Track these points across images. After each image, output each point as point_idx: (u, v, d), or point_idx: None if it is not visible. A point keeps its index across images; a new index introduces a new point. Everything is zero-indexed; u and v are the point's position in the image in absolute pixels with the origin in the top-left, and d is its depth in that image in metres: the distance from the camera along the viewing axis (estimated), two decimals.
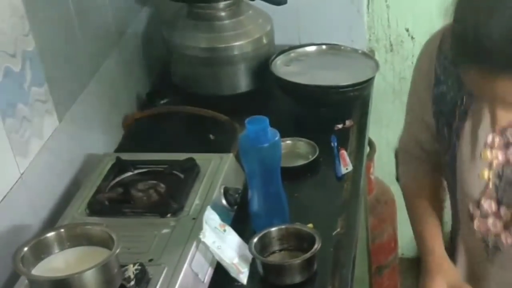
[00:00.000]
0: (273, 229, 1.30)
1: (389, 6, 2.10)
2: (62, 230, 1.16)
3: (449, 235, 1.38)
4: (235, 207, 1.38)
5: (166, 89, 1.86)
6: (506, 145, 1.11)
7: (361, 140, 1.67)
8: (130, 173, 1.42)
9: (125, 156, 1.46)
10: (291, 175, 1.47)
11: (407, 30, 2.13)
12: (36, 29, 1.30)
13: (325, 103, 1.73)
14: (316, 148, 1.58)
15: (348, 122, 1.70)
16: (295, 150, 1.61)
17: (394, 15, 2.11)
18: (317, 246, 1.25)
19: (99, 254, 1.10)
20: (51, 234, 1.15)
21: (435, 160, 1.32)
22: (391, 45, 2.16)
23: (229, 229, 1.27)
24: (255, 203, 1.35)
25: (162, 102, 1.81)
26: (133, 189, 1.36)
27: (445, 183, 1.31)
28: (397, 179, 1.42)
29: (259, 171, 1.32)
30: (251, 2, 1.85)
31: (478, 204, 1.16)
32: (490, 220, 1.17)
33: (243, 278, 1.24)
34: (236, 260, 1.25)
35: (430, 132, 1.27)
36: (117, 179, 1.40)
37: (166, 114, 1.77)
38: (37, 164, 1.30)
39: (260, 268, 1.26)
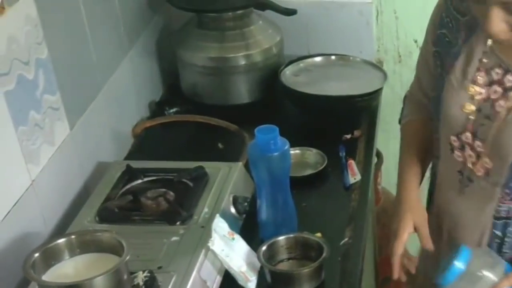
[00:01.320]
0: (281, 237, 1.31)
1: (398, 18, 2.11)
2: (73, 236, 1.17)
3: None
4: (244, 215, 1.39)
5: (176, 98, 1.87)
6: (489, 83, 1.19)
7: (369, 150, 1.68)
8: (139, 181, 1.43)
9: (135, 164, 1.47)
10: (300, 184, 1.48)
11: (416, 42, 2.14)
12: (49, 37, 1.32)
13: (334, 113, 1.74)
14: (324, 158, 1.59)
15: (356, 133, 1.71)
16: (304, 159, 1.62)
17: (403, 26, 2.12)
18: (325, 255, 1.26)
19: (109, 261, 1.11)
20: (61, 241, 1.16)
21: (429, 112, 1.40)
22: (399, 56, 2.16)
23: (237, 237, 1.28)
24: (264, 211, 1.36)
25: (172, 111, 1.82)
26: (143, 197, 1.37)
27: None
28: (399, 121, 1.49)
29: (268, 180, 1.33)
30: (261, 13, 1.86)
31: (458, 136, 1.24)
32: (467, 152, 1.24)
33: (251, 286, 1.25)
34: (244, 268, 1.25)
35: (431, 76, 1.34)
36: (127, 186, 1.41)
37: (176, 123, 1.78)
38: (48, 171, 1.31)
39: (268, 277, 1.26)
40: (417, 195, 1.35)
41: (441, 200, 1.35)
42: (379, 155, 2.08)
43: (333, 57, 1.89)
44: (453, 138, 1.25)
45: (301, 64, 1.87)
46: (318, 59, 1.89)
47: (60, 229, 1.33)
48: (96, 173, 1.50)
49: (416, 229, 1.31)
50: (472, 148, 1.23)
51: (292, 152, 1.49)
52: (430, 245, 1.29)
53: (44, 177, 1.30)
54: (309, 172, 1.57)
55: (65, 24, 1.41)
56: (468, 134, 1.23)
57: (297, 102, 1.77)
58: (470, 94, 1.21)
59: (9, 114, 1.19)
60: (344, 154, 1.62)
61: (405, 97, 1.50)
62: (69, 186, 1.42)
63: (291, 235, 1.32)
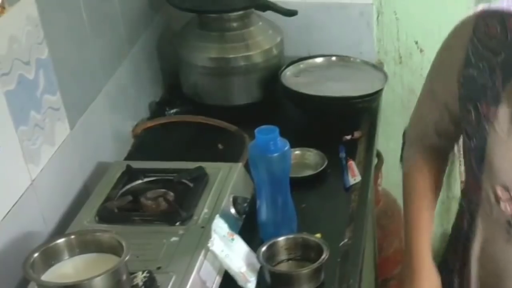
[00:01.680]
0: (281, 238, 1.31)
1: (398, 19, 2.11)
2: (72, 236, 1.17)
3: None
4: (244, 216, 1.39)
5: (176, 98, 1.87)
6: None
7: (369, 151, 1.68)
8: (139, 181, 1.43)
9: (135, 165, 1.47)
10: (300, 185, 1.48)
11: (416, 43, 2.14)
12: (50, 37, 1.32)
13: (334, 114, 1.74)
14: (324, 158, 1.59)
15: (356, 133, 1.71)
16: (304, 160, 1.62)
17: (404, 28, 2.12)
18: (324, 256, 1.26)
19: (108, 261, 1.11)
20: (61, 241, 1.16)
21: (445, 144, 1.33)
22: (400, 57, 2.16)
23: (237, 238, 1.28)
24: (264, 212, 1.36)
25: (172, 111, 1.83)
26: (143, 197, 1.37)
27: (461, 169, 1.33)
28: (401, 160, 1.41)
29: (268, 181, 1.33)
30: (262, 13, 1.86)
31: (506, 188, 1.16)
32: None
33: (251, 287, 1.25)
34: (244, 269, 1.25)
35: (448, 114, 1.26)
36: (127, 187, 1.42)
37: (176, 124, 1.78)
38: (48, 171, 1.31)
39: (267, 277, 1.27)
40: (430, 259, 1.28)
41: (484, 251, 1.26)
42: (379, 156, 2.08)
43: (333, 58, 1.90)
44: (499, 189, 1.17)
45: (302, 65, 1.87)
46: (318, 60, 1.89)
47: (60, 229, 1.33)
48: (96, 173, 1.50)
49: None
50: None
51: (292, 152, 1.49)
52: None
53: (44, 177, 1.30)
54: (309, 172, 1.57)
55: (65, 24, 1.41)
56: None
57: (297, 103, 1.77)
58: None
59: (9, 114, 1.19)
60: (344, 155, 1.62)
61: (406, 135, 1.41)
62: (69, 186, 1.42)
63: (291, 236, 1.32)
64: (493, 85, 1.14)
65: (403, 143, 1.41)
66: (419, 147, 1.35)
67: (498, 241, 1.23)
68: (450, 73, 1.21)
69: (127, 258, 1.10)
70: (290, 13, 1.83)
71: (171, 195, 1.38)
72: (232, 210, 1.37)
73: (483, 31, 1.14)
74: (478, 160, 1.19)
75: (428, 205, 1.32)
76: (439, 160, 1.35)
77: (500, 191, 1.18)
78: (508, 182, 1.16)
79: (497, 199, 1.19)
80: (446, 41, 1.25)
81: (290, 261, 1.32)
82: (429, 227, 1.31)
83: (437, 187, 1.34)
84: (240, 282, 1.25)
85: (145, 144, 1.72)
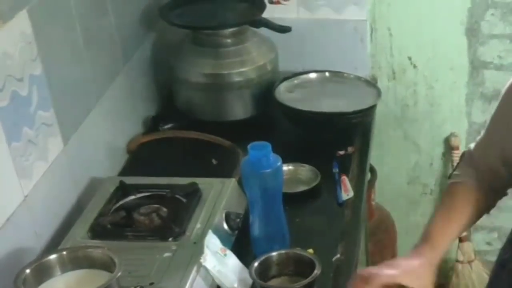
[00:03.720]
0: (274, 254, 1.31)
1: (392, 35, 2.13)
2: (64, 252, 1.18)
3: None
4: (236, 231, 1.40)
5: (170, 114, 1.88)
6: None
7: (363, 166, 1.69)
8: (133, 197, 1.43)
9: (129, 180, 1.47)
10: (293, 200, 1.48)
11: (410, 59, 2.15)
12: (43, 54, 1.33)
13: (328, 130, 1.75)
14: (317, 174, 1.60)
15: (350, 149, 1.71)
16: (297, 175, 1.62)
17: (397, 43, 2.14)
18: (317, 271, 1.25)
19: (101, 277, 1.11)
20: (53, 257, 1.16)
21: (507, 176, 1.28)
22: (393, 73, 2.18)
23: (230, 254, 1.28)
24: (256, 228, 1.36)
25: (166, 127, 1.83)
26: (136, 213, 1.37)
27: None
28: (449, 176, 1.37)
29: (261, 196, 1.34)
30: (256, 30, 1.87)
31: None
32: None
33: None
34: (236, 284, 1.25)
35: (503, 152, 1.24)
36: (120, 202, 1.42)
37: (170, 139, 1.79)
38: (41, 187, 1.32)
39: None
40: (442, 248, 1.24)
41: None
42: (372, 171, 2.09)
43: (327, 73, 1.90)
44: None
45: (296, 80, 1.88)
46: (312, 75, 1.90)
47: (53, 245, 1.33)
48: (89, 188, 1.50)
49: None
50: None
51: (285, 168, 1.50)
52: None
53: (37, 192, 1.30)
54: (302, 188, 1.57)
55: (60, 41, 1.42)
56: None
57: (291, 118, 1.78)
58: None
59: (2, 130, 1.20)
60: (337, 170, 1.62)
61: (464, 155, 1.36)
62: (62, 201, 1.42)
63: (283, 251, 1.32)
64: None
65: (458, 163, 1.36)
66: (475, 168, 1.31)
67: None
68: None
69: (119, 274, 1.10)
70: (284, 29, 1.84)
71: (164, 210, 1.38)
72: (225, 226, 1.37)
73: None
74: None
75: (461, 218, 1.27)
76: (492, 192, 1.30)
77: None
78: None
79: None
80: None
81: (282, 277, 1.31)
82: (453, 236, 1.27)
83: (479, 208, 1.29)
84: None
85: (139, 159, 1.72)
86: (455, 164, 1.30)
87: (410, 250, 1.27)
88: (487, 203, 1.32)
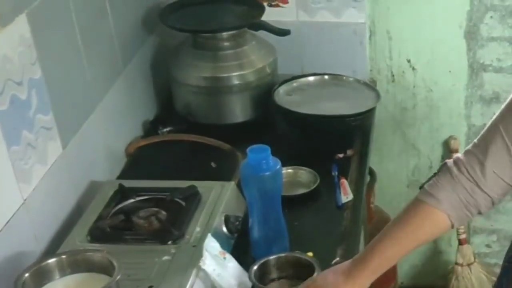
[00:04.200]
0: (273, 257, 1.31)
1: (391, 38, 2.13)
2: (64, 256, 1.18)
3: None
4: (236, 234, 1.40)
5: (169, 117, 1.88)
6: None
7: (362, 169, 1.69)
8: (132, 200, 1.43)
9: (128, 183, 1.47)
10: (292, 203, 1.49)
11: (409, 61, 2.15)
12: (43, 57, 1.33)
13: (327, 133, 1.75)
14: (317, 177, 1.60)
15: (349, 152, 1.71)
16: (296, 178, 1.62)
17: (396, 46, 2.14)
18: (316, 274, 1.26)
19: (100, 281, 1.12)
20: (52, 260, 1.17)
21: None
22: (392, 75, 2.18)
23: (229, 257, 1.28)
24: (256, 231, 1.36)
25: (165, 130, 1.83)
26: (135, 216, 1.38)
27: None
28: (421, 186, 1.24)
29: (260, 199, 1.34)
30: (255, 33, 1.88)
31: None
32: None
33: None
34: None
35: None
36: (119, 206, 1.42)
37: (169, 142, 1.79)
38: (40, 190, 1.32)
39: None
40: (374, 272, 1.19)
41: None
42: (372, 173, 2.09)
43: (326, 76, 1.91)
44: None
45: (295, 83, 1.88)
46: (311, 78, 1.90)
47: (52, 248, 1.33)
48: (88, 192, 1.50)
49: None
50: None
51: (284, 171, 1.50)
52: None
53: (36, 196, 1.30)
54: (301, 191, 1.57)
55: (59, 44, 1.42)
56: None
57: (290, 121, 1.78)
58: None
59: (1, 134, 1.20)
60: (336, 173, 1.62)
61: (445, 166, 1.22)
62: (61, 205, 1.42)
63: (283, 255, 1.32)
64: None
65: (437, 172, 1.24)
66: (459, 189, 1.18)
67: None
68: None
69: (118, 277, 1.10)
70: (283, 32, 1.84)
71: (163, 214, 1.38)
72: (224, 229, 1.37)
73: None
74: None
75: (417, 238, 1.21)
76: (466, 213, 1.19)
77: None
78: None
79: None
80: None
81: (281, 280, 1.31)
82: (400, 253, 1.21)
83: (433, 236, 1.23)
84: None
85: (138, 162, 1.72)
86: None
87: (348, 262, 1.22)
88: (448, 227, 1.21)
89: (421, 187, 1.24)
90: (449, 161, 1.22)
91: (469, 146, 1.22)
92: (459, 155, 1.23)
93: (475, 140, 1.21)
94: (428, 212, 1.20)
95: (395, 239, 1.21)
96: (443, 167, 1.22)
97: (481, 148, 1.18)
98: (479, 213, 1.21)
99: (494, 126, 1.18)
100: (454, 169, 1.20)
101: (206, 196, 1.43)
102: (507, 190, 1.18)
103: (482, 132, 1.21)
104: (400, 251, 1.21)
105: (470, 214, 1.19)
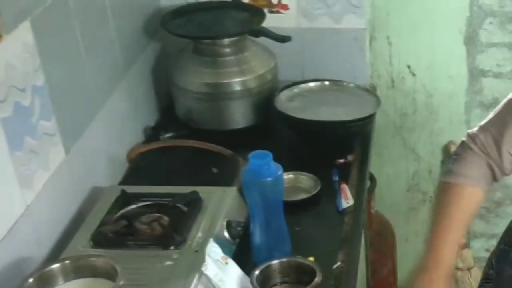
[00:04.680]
0: (275, 262, 1.32)
1: (391, 44, 2.14)
2: (67, 261, 1.19)
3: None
4: (237, 240, 1.40)
5: (171, 123, 1.89)
6: None
7: (362, 174, 1.70)
8: (134, 206, 1.44)
9: (130, 189, 1.48)
10: (293, 208, 1.49)
11: (409, 67, 2.16)
12: (46, 64, 1.34)
13: (328, 138, 1.76)
14: (318, 182, 1.61)
15: (349, 157, 1.72)
16: (297, 184, 1.63)
17: (396, 52, 2.15)
18: (317, 279, 1.26)
19: (103, 286, 1.12)
20: (55, 266, 1.17)
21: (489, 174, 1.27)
22: (392, 81, 2.19)
23: (231, 262, 1.29)
24: (257, 236, 1.37)
25: (167, 136, 1.84)
26: (137, 222, 1.38)
27: None
28: (447, 174, 1.30)
29: (262, 205, 1.34)
30: (256, 39, 1.89)
31: None
32: None
33: None
34: None
35: None
36: (122, 211, 1.42)
37: (171, 148, 1.80)
38: (43, 196, 1.32)
39: None
40: (452, 260, 1.25)
41: None
42: (372, 179, 2.09)
43: (327, 82, 1.91)
44: None
45: (295, 89, 1.89)
46: (312, 84, 1.91)
47: (55, 254, 1.34)
48: (91, 197, 1.51)
49: None
50: None
51: (285, 176, 1.51)
52: None
53: (39, 202, 1.31)
54: (302, 196, 1.58)
55: (61, 51, 1.43)
56: None
57: (291, 127, 1.79)
58: None
59: (4, 140, 1.21)
60: (337, 178, 1.63)
61: (468, 148, 1.28)
62: (64, 211, 1.43)
63: (284, 259, 1.33)
64: None
65: (457, 153, 1.30)
66: (483, 164, 1.26)
67: None
68: None
69: (121, 283, 1.11)
70: (284, 39, 1.85)
71: (165, 219, 1.39)
72: (226, 234, 1.38)
73: None
74: None
75: (467, 224, 1.28)
76: (489, 182, 1.28)
77: None
78: None
79: None
80: None
81: (283, 285, 1.32)
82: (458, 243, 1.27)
83: (476, 209, 1.30)
84: None
85: (140, 168, 1.73)
86: None
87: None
88: (483, 198, 1.31)
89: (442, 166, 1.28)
90: (467, 140, 1.28)
91: (484, 122, 1.27)
92: (475, 131, 1.28)
93: (491, 116, 1.26)
94: (461, 191, 1.26)
95: (446, 227, 1.25)
96: (462, 145, 1.29)
97: (498, 128, 1.23)
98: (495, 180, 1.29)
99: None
100: (474, 147, 1.26)
101: (208, 201, 1.44)
102: None
103: (497, 109, 1.25)
104: (456, 234, 1.25)
105: (490, 184, 1.27)
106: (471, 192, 1.27)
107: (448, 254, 1.25)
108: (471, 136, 1.28)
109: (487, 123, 1.27)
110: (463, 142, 1.29)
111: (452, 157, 1.31)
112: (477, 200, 1.28)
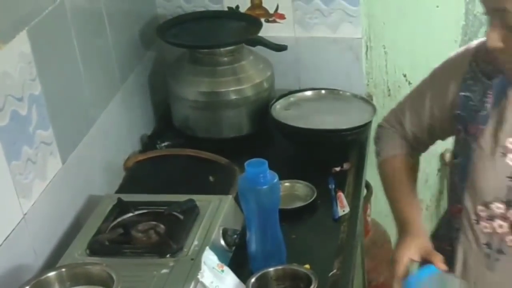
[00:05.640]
0: (271, 269, 1.32)
1: (387, 53, 2.15)
2: (63, 269, 1.19)
3: None
4: (233, 247, 1.41)
5: (167, 132, 1.90)
6: None
7: (358, 182, 1.70)
8: (130, 214, 1.44)
9: (126, 198, 1.49)
10: (289, 216, 1.50)
11: (405, 76, 2.17)
12: (43, 74, 1.35)
13: (324, 146, 1.76)
14: (314, 190, 1.61)
15: (345, 165, 1.73)
16: (294, 192, 1.64)
17: (392, 61, 2.16)
18: (313, 287, 1.27)
19: None
20: (52, 274, 1.18)
21: (412, 148, 1.40)
22: (388, 90, 2.20)
23: (227, 270, 1.29)
24: (253, 244, 1.37)
25: (163, 144, 1.85)
26: (133, 230, 1.39)
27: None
28: (377, 155, 1.45)
29: (258, 213, 1.35)
30: (253, 48, 1.90)
31: (487, 206, 1.18)
32: (497, 223, 1.19)
33: None
34: None
35: (429, 122, 1.33)
36: (118, 220, 1.43)
37: (167, 156, 1.81)
38: (40, 205, 1.33)
39: None
40: (421, 223, 1.29)
41: (464, 279, 1.24)
42: (368, 187, 2.10)
43: (323, 91, 1.92)
44: (480, 208, 1.19)
45: (292, 98, 1.90)
46: (308, 93, 1.92)
47: (51, 262, 1.34)
48: (87, 206, 1.52)
49: (424, 254, 1.22)
50: (505, 218, 1.18)
51: (282, 184, 1.52)
52: (443, 265, 1.19)
53: (36, 211, 1.31)
54: (298, 204, 1.59)
55: (58, 60, 1.44)
56: (500, 204, 1.17)
57: (287, 135, 1.80)
58: (503, 161, 1.16)
59: (2, 149, 1.21)
60: (333, 186, 1.64)
61: (381, 127, 1.45)
62: (61, 219, 1.44)
63: (280, 267, 1.33)
64: (483, 107, 1.19)
65: (376, 138, 1.45)
66: (397, 138, 1.40)
67: (478, 268, 1.24)
68: (444, 87, 1.26)
69: None
70: (280, 48, 1.86)
71: (161, 227, 1.39)
72: (222, 242, 1.39)
73: (482, 56, 1.19)
74: (461, 177, 1.23)
75: (413, 189, 1.36)
76: (415, 153, 1.41)
77: (480, 210, 1.20)
78: (488, 199, 1.18)
79: (478, 218, 1.21)
80: (448, 61, 1.30)
81: None
82: (419, 209, 1.34)
83: (415, 172, 1.41)
84: None
85: (137, 177, 1.74)
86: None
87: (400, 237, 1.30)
88: (413, 162, 1.42)
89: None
90: (381, 122, 1.45)
91: (395, 106, 1.43)
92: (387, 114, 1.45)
93: (401, 100, 1.42)
94: (391, 164, 1.39)
95: (397, 198, 1.35)
96: (379, 128, 1.45)
97: (401, 106, 1.41)
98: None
99: (416, 92, 1.37)
100: (386, 125, 1.43)
101: (204, 209, 1.44)
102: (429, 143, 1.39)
103: (408, 94, 1.42)
104: (408, 198, 1.34)
105: (414, 150, 1.41)
106: (399, 161, 1.38)
107: (411, 217, 1.30)
108: (384, 118, 1.44)
109: (396, 105, 1.43)
110: (379, 125, 1.45)
111: (375, 140, 1.46)
112: (407, 164, 1.38)
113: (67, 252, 1.34)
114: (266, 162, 1.33)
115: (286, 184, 1.62)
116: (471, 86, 1.21)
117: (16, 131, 1.26)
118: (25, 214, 1.28)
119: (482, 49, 1.20)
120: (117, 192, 1.66)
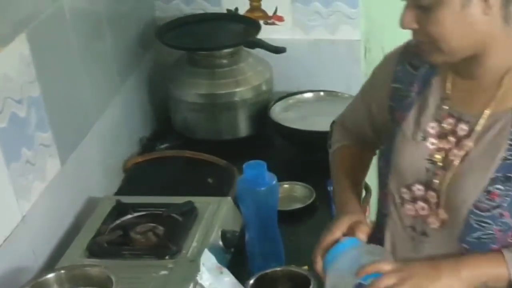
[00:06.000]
0: (269, 271, 1.32)
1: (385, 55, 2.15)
2: (62, 271, 1.19)
3: None
4: (232, 249, 1.41)
5: (166, 133, 1.90)
6: (442, 133, 1.19)
7: None
8: (129, 216, 1.45)
9: (125, 199, 1.49)
10: (288, 218, 1.50)
11: None
12: (42, 76, 1.35)
13: (322, 148, 1.76)
14: (313, 192, 1.62)
15: None
16: (292, 194, 1.64)
17: None
18: None
19: None
20: (51, 276, 1.18)
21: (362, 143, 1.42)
22: None
23: (226, 271, 1.29)
24: (252, 245, 1.38)
25: (162, 146, 1.85)
26: (132, 232, 1.39)
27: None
28: (329, 147, 1.47)
29: (257, 214, 1.35)
30: (251, 50, 1.90)
31: (409, 188, 1.22)
32: (419, 205, 1.22)
33: None
34: None
35: (370, 118, 1.36)
36: (117, 221, 1.43)
37: (166, 158, 1.81)
38: (39, 206, 1.33)
39: None
40: (357, 204, 1.31)
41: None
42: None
43: (322, 93, 1.93)
44: (403, 190, 1.23)
45: (290, 100, 1.90)
46: (307, 95, 1.93)
47: (50, 264, 1.35)
48: (86, 208, 1.52)
49: (353, 226, 1.23)
50: (425, 200, 1.21)
51: (280, 186, 1.51)
52: (363, 236, 1.22)
53: (35, 212, 1.32)
54: (297, 206, 1.59)
55: (57, 63, 1.44)
56: (420, 186, 1.20)
57: (286, 137, 1.80)
58: (423, 144, 1.20)
59: (1, 151, 1.22)
60: (332, 188, 1.64)
61: (334, 123, 1.49)
62: (60, 221, 1.44)
63: (279, 268, 1.33)
64: (409, 95, 1.24)
65: (330, 132, 1.48)
66: (343, 130, 1.43)
67: (405, 251, 1.26)
68: (384, 88, 1.29)
69: None
70: (279, 50, 1.87)
71: (160, 229, 1.40)
72: (221, 244, 1.39)
73: (412, 50, 1.24)
74: (385, 162, 1.27)
75: (355, 176, 1.38)
76: (365, 151, 1.42)
77: (403, 192, 1.23)
78: (410, 181, 1.21)
79: (402, 201, 1.24)
80: (383, 61, 1.34)
81: None
82: (358, 195, 1.36)
83: (360, 161, 1.42)
84: None
85: (136, 178, 1.74)
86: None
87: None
88: (367, 159, 1.44)
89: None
90: (335, 119, 1.49)
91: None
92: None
93: (347, 105, 1.47)
94: (338, 154, 1.41)
95: (339, 185, 1.38)
96: (331, 124, 1.49)
97: (348, 109, 1.46)
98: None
99: (360, 90, 1.41)
100: (337, 121, 1.48)
101: (203, 211, 1.45)
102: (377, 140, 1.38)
103: (351, 101, 1.46)
104: (349, 183, 1.36)
105: (363, 142, 1.41)
106: (345, 149, 1.41)
107: (348, 197, 1.33)
108: (338, 116, 1.49)
109: (344, 109, 1.47)
110: (333, 121, 1.49)
111: (328, 135, 1.48)
112: (353, 153, 1.41)
113: (66, 253, 1.35)
114: (265, 164, 1.34)
115: (285, 185, 1.63)
116: (400, 78, 1.26)
117: (15, 133, 1.26)
118: (24, 216, 1.28)
119: (411, 43, 1.24)
120: (116, 193, 1.66)
